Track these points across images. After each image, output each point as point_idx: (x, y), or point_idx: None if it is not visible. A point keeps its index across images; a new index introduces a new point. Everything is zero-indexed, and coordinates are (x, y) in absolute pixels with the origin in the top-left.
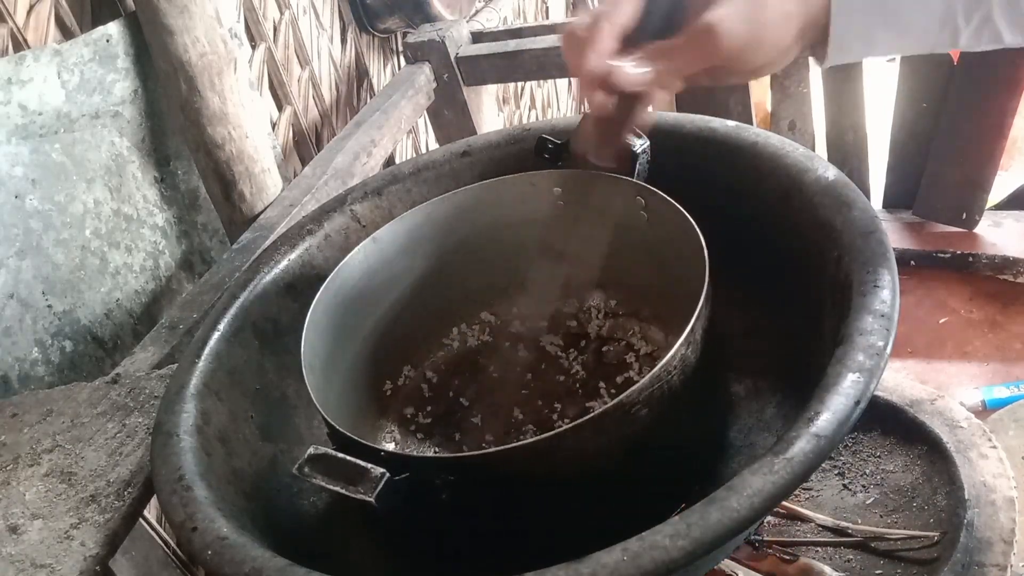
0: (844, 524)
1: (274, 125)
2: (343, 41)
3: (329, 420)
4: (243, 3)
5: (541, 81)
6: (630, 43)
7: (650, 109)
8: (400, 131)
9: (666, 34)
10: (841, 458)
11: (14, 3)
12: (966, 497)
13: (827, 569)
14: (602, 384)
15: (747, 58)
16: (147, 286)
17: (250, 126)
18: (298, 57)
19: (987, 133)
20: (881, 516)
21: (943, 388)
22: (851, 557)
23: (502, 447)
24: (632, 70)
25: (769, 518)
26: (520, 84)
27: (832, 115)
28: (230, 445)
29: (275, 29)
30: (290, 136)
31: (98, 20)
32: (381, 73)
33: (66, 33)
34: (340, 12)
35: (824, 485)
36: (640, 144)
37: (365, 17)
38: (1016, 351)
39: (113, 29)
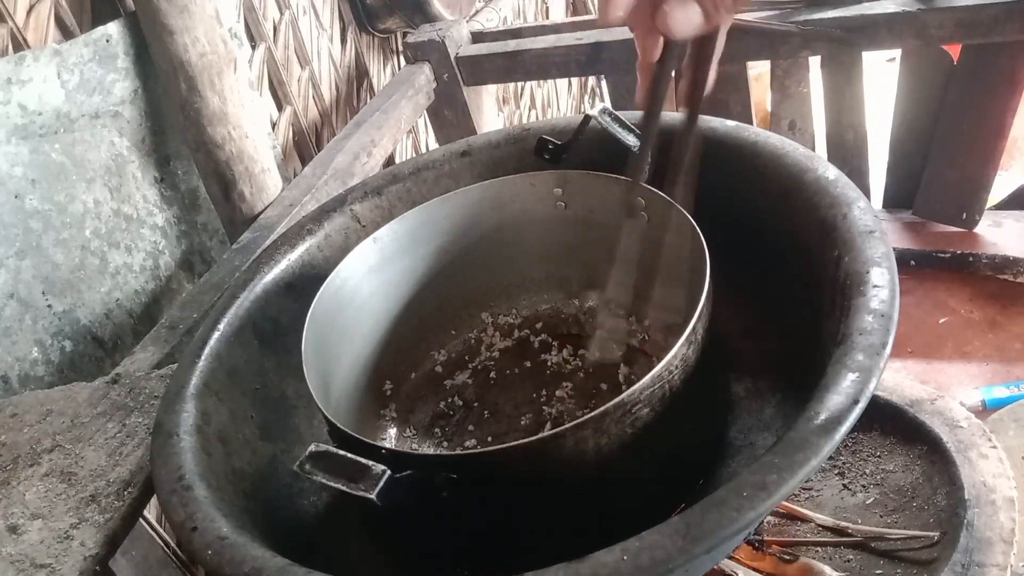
0: (844, 524)
1: (274, 125)
2: (343, 41)
3: (330, 417)
4: (243, 3)
5: (541, 81)
6: None
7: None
8: (400, 131)
9: None
10: (841, 458)
11: (14, 3)
12: (966, 497)
13: (827, 569)
14: (602, 384)
15: None
16: (147, 286)
17: (250, 126)
18: (298, 57)
19: (987, 133)
20: (881, 516)
21: (943, 388)
22: (851, 557)
23: (503, 446)
24: (679, 8)
25: (769, 518)
26: (520, 84)
27: (832, 115)
28: (230, 445)
29: (275, 29)
30: (290, 136)
31: (98, 20)
32: (381, 73)
33: (66, 33)
34: (340, 12)
35: (824, 485)
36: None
37: (365, 17)
38: (1016, 351)
39: (113, 29)
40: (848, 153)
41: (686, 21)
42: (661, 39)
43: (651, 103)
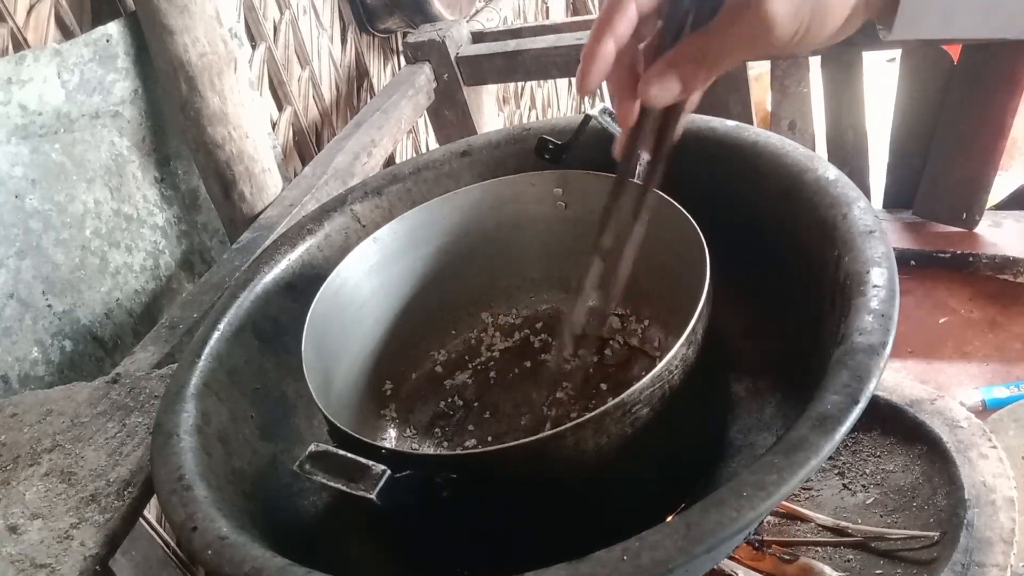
0: (844, 524)
1: (274, 125)
2: (343, 41)
3: (330, 417)
4: (243, 3)
5: (541, 81)
6: (667, 26)
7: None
8: (400, 131)
9: (700, 14)
10: (841, 458)
11: (14, 3)
12: (966, 497)
13: (827, 569)
14: (602, 384)
15: (803, 41)
16: (147, 286)
17: (250, 126)
18: (298, 57)
19: (987, 133)
20: (881, 516)
21: (943, 388)
22: (851, 557)
23: (503, 445)
24: (657, 82)
25: (769, 518)
26: (520, 84)
27: (832, 115)
28: (230, 445)
29: (275, 29)
30: (290, 136)
31: (98, 20)
32: (381, 73)
33: (66, 33)
34: (340, 12)
35: (824, 485)
36: None
37: (365, 17)
38: (1016, 351)
39: (113, 29)
40: (848, 153)
41: (665, 92)
42: (638, 103)
43: (626, 158)
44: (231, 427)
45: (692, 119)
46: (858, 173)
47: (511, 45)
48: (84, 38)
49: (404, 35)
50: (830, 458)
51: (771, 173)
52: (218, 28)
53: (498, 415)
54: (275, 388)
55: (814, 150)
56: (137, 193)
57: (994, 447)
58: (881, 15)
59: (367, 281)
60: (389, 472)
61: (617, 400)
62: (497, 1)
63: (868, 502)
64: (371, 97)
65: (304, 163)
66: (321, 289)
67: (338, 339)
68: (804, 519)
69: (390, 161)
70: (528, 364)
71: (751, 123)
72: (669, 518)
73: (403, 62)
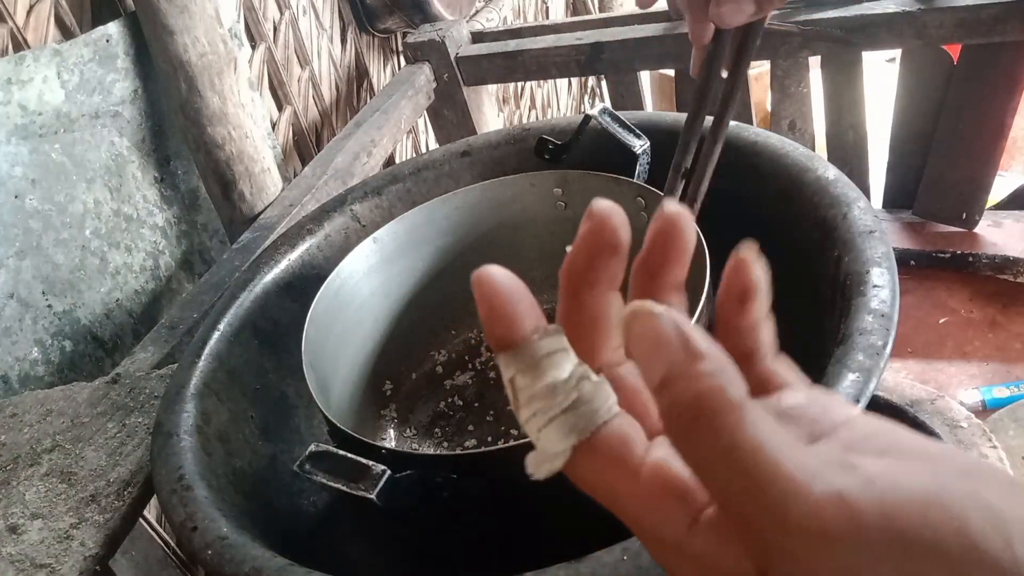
0: None
1: (274, 125)
2: (343, 41)
3: (330, 417)
4: (243, 3)
5: (541, 81)
6: None
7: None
8: (400, 131)
9: None
10: None
11: (14, 3)
12: None
13: None
14: None
15: None
16: (147, 286)
17: (250, 126)
18: (298, 57)
19: (987, 133)
20: None
21: (943, 388)
22: None
23: (503, 445)
24: (731, 2)
25: None
26: (520, 84)
27: (832, 115)
28: (230, 445)
29: (275, 29)
30: (290, 136)
31: (98, 20)
32: (381, 73)
33: (66, 33)
34: (340, 12)
35: None
36: (640, 145)
37: (365, 17)
38: (1016, 351)
39: (113, 29)
40: (848, 153)
41: (738, 13)
42: (712, 25)
43: (703, 77)
44: (231, 427)
45: None
46: (858, 173)
47: (511, 45)
48: (84, 38)
49: (404, 35)
50: None
51: (771, 173)
52: (218, 28)
53: (498, 415)
54: (275, 388)
55: (814, 150)
56: (137, 193)
57: (994, 447)
58: None
59: (367, 281)
60: (389, 472)
61: None
62: (497, 1)
63: None
64: (371, 97)
65: (304, 163)
66: (321, 289)
67: (338, 339)
68: None
69: (390, 161)
70: None
71: (751, 123)
72: None
73: (403, 62)
